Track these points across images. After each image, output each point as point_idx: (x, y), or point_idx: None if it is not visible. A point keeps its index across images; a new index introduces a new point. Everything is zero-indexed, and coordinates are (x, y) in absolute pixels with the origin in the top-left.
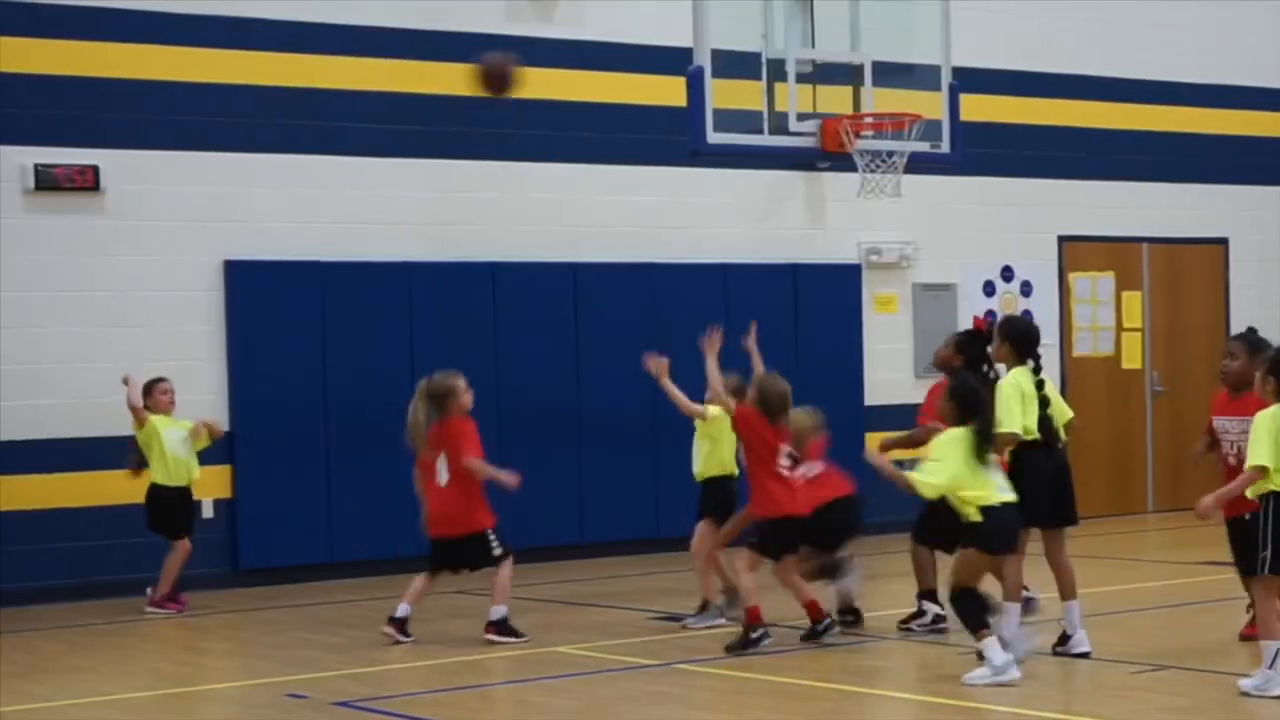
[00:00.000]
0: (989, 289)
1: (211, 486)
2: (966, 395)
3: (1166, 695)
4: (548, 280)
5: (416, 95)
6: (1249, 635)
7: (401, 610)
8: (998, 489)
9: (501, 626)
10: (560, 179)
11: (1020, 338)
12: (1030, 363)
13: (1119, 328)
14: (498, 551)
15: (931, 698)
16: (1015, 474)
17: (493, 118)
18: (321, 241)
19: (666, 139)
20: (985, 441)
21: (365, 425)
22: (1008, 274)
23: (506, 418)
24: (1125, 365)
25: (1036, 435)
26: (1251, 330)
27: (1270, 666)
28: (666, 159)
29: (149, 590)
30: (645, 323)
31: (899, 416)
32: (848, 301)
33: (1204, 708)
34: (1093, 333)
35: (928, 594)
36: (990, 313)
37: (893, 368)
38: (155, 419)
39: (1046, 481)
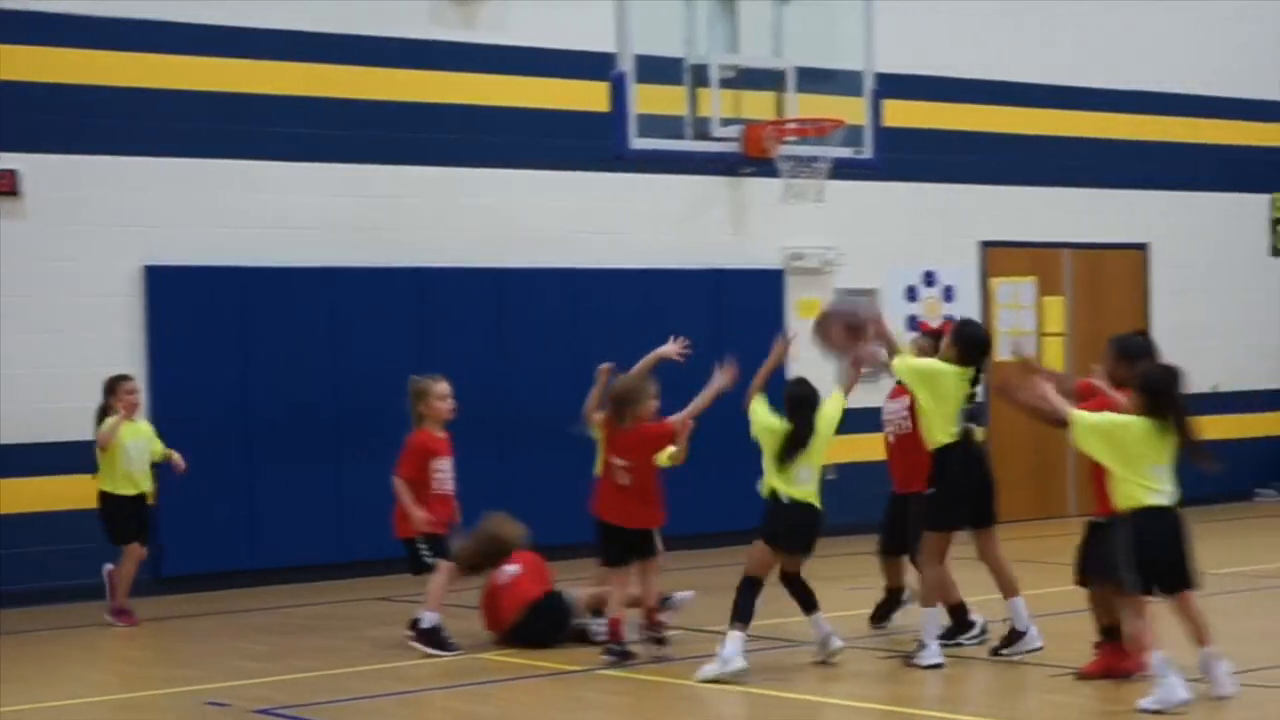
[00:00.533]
0: (911, 294)
1: None
2: (791, 399)
3: (1084, 699)
4: (472, 285)
5: (340, 100)
6: (1091, 673)
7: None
8: (793, 485)
9: (430, 636)
10: (484, 184)
11: (968, 342)
12: (972, 370)
13: (1040, 332)
14: (429, 560)
15: (849, 701)
16: (935, 474)
17: (416, 123)
18: (243, 247)
19: (590, 144)
20: (795, 446)
21: (288, 431)
22: (930, 279)
23: None
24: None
25: (956, 436)
26: (1135, 334)
27: (1165, 676)
28: (590, 164)
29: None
30: (569, 328)
31: None
32: (771, 306)
33: (1120, 713)
34: (1014, 338)
35: (958, 608)
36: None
37: (816, 372)
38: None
39: (964, 483)
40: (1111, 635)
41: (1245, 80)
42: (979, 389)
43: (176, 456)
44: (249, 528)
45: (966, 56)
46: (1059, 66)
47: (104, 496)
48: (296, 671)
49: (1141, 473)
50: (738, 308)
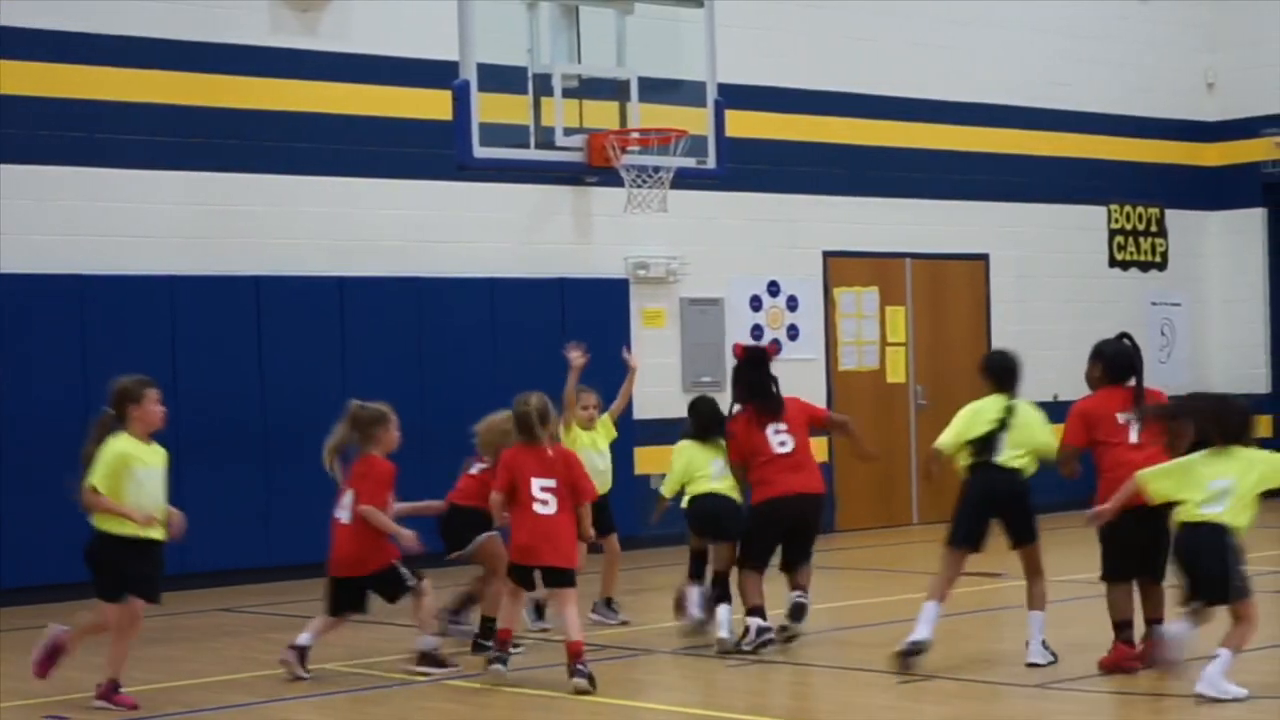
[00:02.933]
0: (755, 303)
1: None
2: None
3: (931, 705)
4: (313, 294)
5: (180, 106)
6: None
7: (303, 639)
8: (708, 481)
9: (432, 658)
10: (326, 192)
11: (999, 372)
12: (1007, 395)
13: (883, 342)
14: (411, 582)
15: (694, 710)
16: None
17: (257, 131)
18: (82, 254)
19: (433, 153)
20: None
21: None
22: (774, 288)
23: (273, 434)
24: (889, 379)
25: (980, 458)
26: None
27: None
28: (433, 173)
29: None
30: (412, 337)
31: (668, 430)
32: (615, 316)
33: (966, 717)
34: (857, 347)
35: (754, 610)
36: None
37: (661, 382)
38: (128, 445)
39: (970, 503)
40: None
41: (1083, 94)
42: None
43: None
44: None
45: (809, 68)
46: (901, 79)
47: (103, 539)
48: (139, 684)
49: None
50: (582, 317)
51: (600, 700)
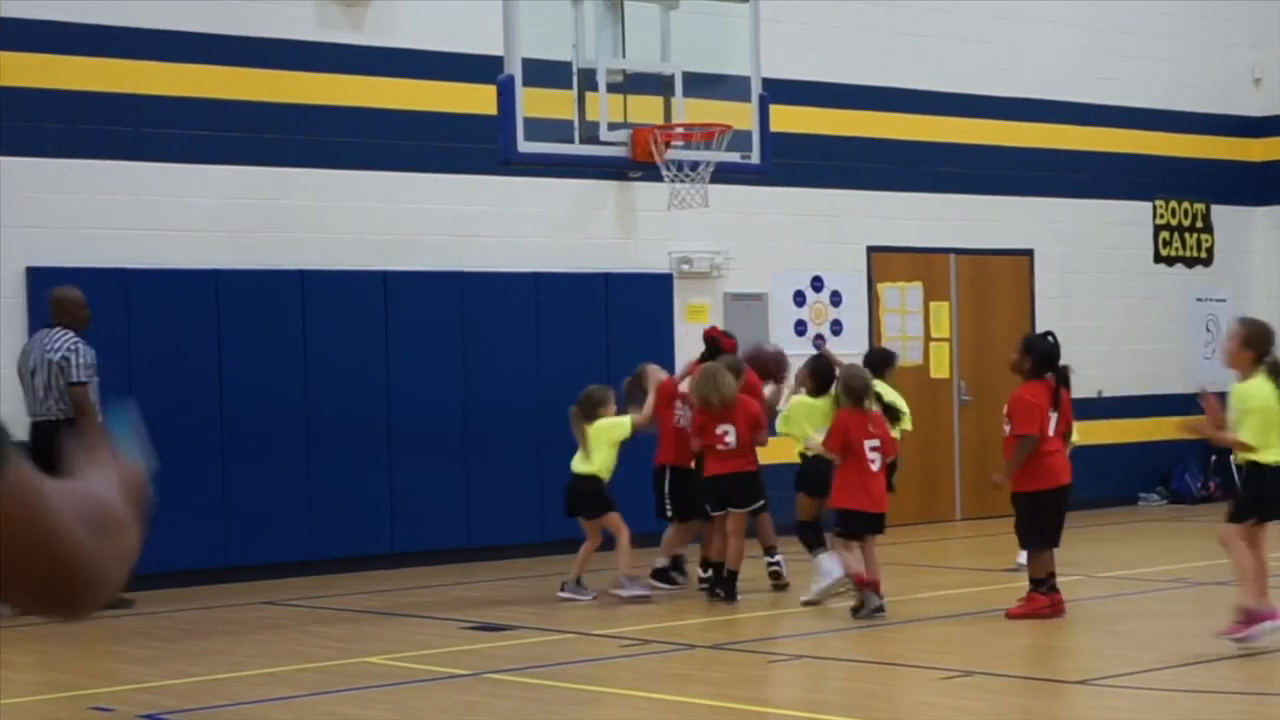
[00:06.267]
0: (799, 299)
1: None
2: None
3: (973, 700)
4: (358, 288)
5: (225, 101)
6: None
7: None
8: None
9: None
10: (371, 187)
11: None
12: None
13: (927, 337)
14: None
15: (739, 705)
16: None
17: (301, 125)
18: (127, 249)
19: (478, 147)
20: None
21: (172, 434)
22: (817, 284)
23: (316, 426)
24: (933, 375)
25: None
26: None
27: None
28: (477, 168)
29: None
30: (456, 331)
31: None
32: (659, 311)
33: (1006, 714)
34: (901, 342)
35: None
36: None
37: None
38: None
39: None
40: (1037, 585)
41: (1128, 89)
42: None
43: None
44: None
45: (853, 63)
46: (946, 74)
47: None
48: (181, 676)
49: None
50: (626, 312)
51: (643, 694)
